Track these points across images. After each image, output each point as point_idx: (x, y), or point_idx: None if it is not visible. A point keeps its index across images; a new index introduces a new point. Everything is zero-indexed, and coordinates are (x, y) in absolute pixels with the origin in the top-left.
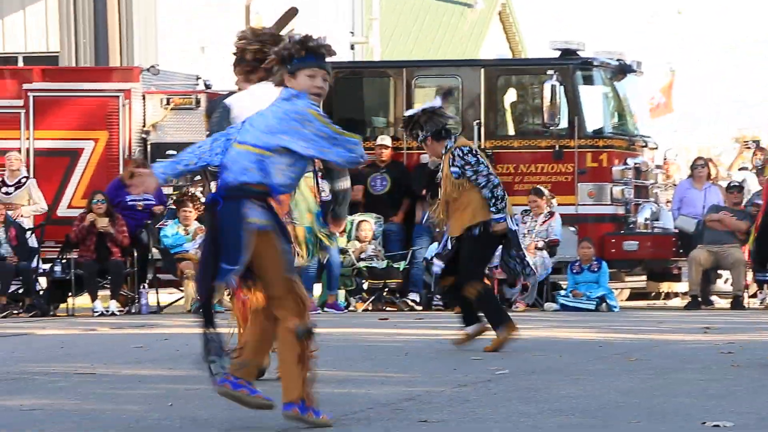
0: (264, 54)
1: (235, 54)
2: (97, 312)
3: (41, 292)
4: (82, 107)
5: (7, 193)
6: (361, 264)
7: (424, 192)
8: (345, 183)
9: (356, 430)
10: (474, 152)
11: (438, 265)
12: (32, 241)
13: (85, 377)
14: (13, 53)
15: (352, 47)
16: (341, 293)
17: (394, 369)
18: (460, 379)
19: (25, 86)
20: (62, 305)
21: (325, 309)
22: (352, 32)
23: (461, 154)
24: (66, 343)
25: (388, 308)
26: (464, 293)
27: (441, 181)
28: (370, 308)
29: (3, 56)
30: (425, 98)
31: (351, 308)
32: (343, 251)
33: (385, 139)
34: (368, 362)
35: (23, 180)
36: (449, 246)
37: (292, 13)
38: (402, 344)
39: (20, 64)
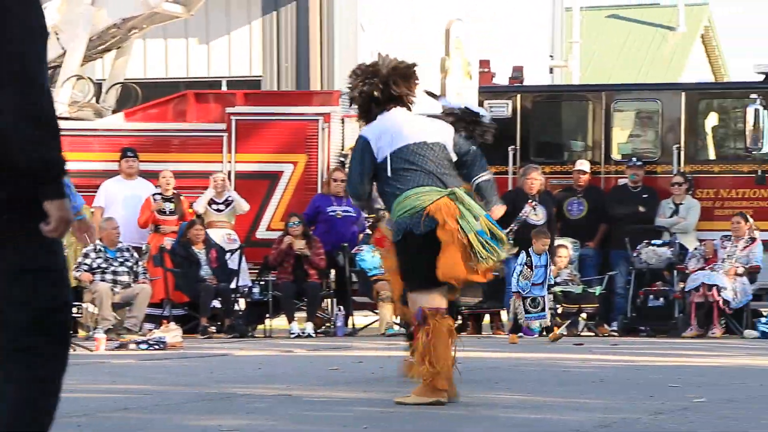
0: (369, 89)
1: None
2: (293, 333)
3: (240, 314)
4: (282, 131)
5: (218, 210)
6: (557, 288)
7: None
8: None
9: None
10: None
11: None
12: (232, 263)
13: (282, 398)
14: (218, 77)
15: (551, 71)
16: None
17: (589, 395)
18: (656, 406)
19: (228, 110)
20: (260, 326)
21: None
22: (551, 56)
23: None
24: (264, 364)
25: (583, 334)
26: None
27: None
28: (564, 333)
29: (208, 80)
30: (623, 122)
31: (545, 333)
32: None
33: (583, 164)
34: (563, 387)
35: (230, 199)
36: None
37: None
38: (597, 370)
39: (224, 88)
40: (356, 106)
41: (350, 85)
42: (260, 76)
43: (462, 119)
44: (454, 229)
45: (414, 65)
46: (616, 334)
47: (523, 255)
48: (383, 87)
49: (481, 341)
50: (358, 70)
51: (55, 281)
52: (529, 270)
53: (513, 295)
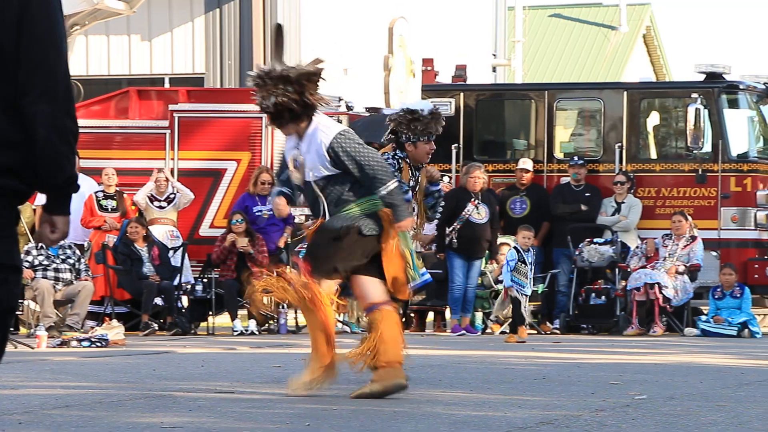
0: (285, 100)
1: (265, 111)
2: (236, 331)
3: (183, 311)
4: (225, 128)
5: (160, 207)
6: (499, 286)
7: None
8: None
9: None
10: None
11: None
12: (175, 260)
13: (225, 396)
14: (161, 74)
15: (494, 69)
16: (478, 315)
17: (531, 392)
18: (598, 403)
19: (171, 107)
20: (203, 324)
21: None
22: (494, 54)
23: None
24: (206, 361)
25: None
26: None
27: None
28: (507, 330)
29: (150, 78)
30: (566, 121)
31: (488, 331)
32: (481, 273)
33: (526, 162)
34: (505, 385)
35: (171, 196)
36: None
37: (279, 32)
38: (539, 368)
39: (167, 85)
40: (268, 114)
41: (258, 93)
42: (203, 74)
43: (401, 122)
44: (396, 240)
45: (321, 68)
46: (558, 331)
47: (513, 252)
48: (299, 97)
49: (425, 338)
50: (265, 77)
51: (20, 282)
52: (522, 265)
53: (505, 292)
